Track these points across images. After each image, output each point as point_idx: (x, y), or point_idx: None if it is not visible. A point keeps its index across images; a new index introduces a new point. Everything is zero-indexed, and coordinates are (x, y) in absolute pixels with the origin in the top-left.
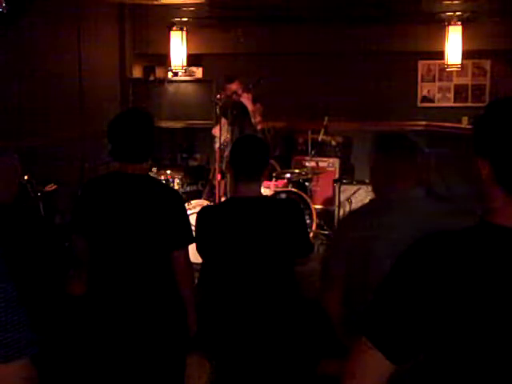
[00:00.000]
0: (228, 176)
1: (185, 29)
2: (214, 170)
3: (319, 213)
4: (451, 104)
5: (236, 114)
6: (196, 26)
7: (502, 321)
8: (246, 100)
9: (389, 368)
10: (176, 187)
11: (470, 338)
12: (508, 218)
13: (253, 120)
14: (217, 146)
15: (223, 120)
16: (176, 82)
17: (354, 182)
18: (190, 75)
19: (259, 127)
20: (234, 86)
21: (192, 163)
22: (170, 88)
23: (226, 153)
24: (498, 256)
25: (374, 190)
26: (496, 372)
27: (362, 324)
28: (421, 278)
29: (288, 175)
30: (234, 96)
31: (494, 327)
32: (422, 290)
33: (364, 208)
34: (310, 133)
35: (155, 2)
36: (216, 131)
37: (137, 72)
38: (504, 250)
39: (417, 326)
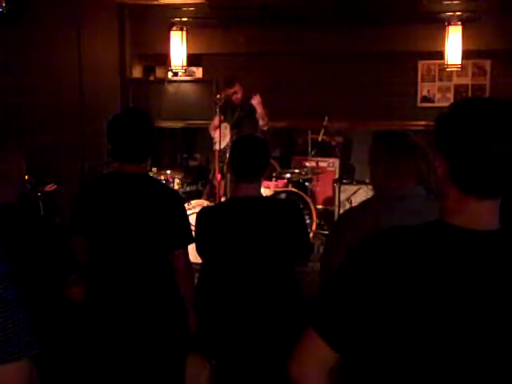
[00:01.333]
0: (228, 176)
1: (185, 29)
2: (214, 170)
3: (319, 213)
4: None
5: (238, 117)
6: (196, 25)
7: (444, 317)
8: (256, 103)
9: (332, 356)
10: (176, 187)
11: (414, 335)
12: (460, 217)
13: (260, 122)
14: (216, 147)
15: (224, 124)
16: (176, 81)
17: (354, 182)
18: (189, 75)
19: (265, 128)
20: (233, 90)
21: (192, 163)
22: (170, 88)
23: (227, 154)
24: (446, 256)
25: (374, 188)
26: (442, 367)
27: (310, 314)
28: (367, 273)
29: (288, 175)
30: (234, 97)
31: (435, 324)
32: (367, 283)
33: (363, 206)
34: (309, 133)
35: (155, 2)
36: (213, 132)
37: (137, 72)
38: (453, 250)
39: (360, 319)
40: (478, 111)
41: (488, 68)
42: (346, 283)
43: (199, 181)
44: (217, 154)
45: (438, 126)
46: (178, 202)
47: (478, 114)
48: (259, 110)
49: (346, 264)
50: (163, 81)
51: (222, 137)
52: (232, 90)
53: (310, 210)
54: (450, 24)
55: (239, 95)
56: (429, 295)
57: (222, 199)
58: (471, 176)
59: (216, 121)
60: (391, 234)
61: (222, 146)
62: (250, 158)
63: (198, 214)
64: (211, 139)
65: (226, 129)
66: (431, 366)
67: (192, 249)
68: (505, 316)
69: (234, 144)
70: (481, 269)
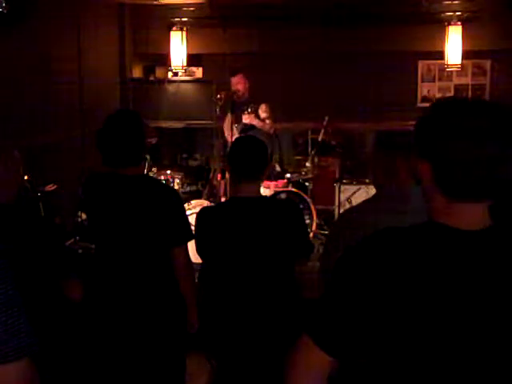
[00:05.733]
0: (228, 176)
1: (185, 29)
2: (215, 169)
3: (319, 213)
4: None
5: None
6: (196, 25)
7: (440, 319)
8: (251, 120)
9: (328, 362)
10: (176, 187)
11: (408, 335)
12: (449, 218)
13: (266, 127)
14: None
15: (228, 117)
16: (176, 82)
17: (354, 182)
18: (189, 75)
19: (271, 131)
20: (235, 80)
21: (192, 163)
22: (170, 88)
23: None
24: (439, 256)
25: (376, 187)
26: (436, 367)
27: (305, 320)
28: (360, 276)
29: (288, 175)
30: (235, 96)
31: (432, 325)
32: (360, 286)
33: (363, 205)
34: (309, 133)
35: (155, 2)
36: (227, 131)
37: (137, 72)
38: (445, 250)
39: (354, 322)
40: (458, 113)
41: (488, 68)
42: (339, 287)
43: (199, 181)
44: (221, 150)
45: (419, 128)
46: (176, 199)
47: (459, 116)
48: (257, 124)
49: (338, 268)
50: (163, 81)
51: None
52: (234, 81)
53: (309, 210)
54: (450, 24)
55: (241, 88)
56: (422, 296)
57: (222, 199)
58: (455, 180)
59: (228, 120)
60: (383, 237)
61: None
62: (250, 158)
63: (198, 214)
64: (211, 138)
65: (231, 123)
66: (425, 367)
67: (192, 249)
68: (493, 313)
69: (233, 144)
70: (473, 268)
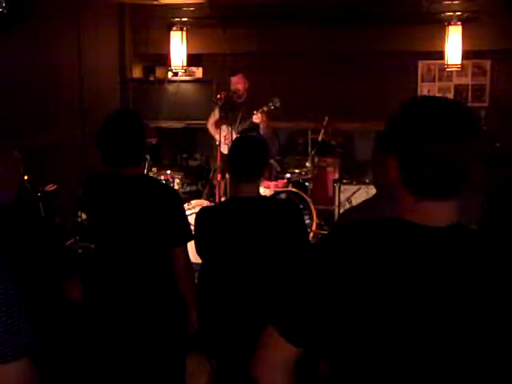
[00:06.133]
0: (228, 176)
1: (185, 29)
2: (215, 169)
3: (319, 213)
4: None
5: (242, 119)
6: (196, 25)
7: (401, 312)
8: (259, 120)
9: (293, 352)
10: (176, 187)
11: (368, 327)
12: (414, 215)
13: (262, 132)
14: (218, 144)
15: (225, 126)
16: (176, 81)
17: (354, 182)
18: (189, 75)
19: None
20: (235, 79)
21: (192, 163)
22: (170, 88)
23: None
24: (400, 251)
25: (376, 187)
26: (397, 365)
27: (269, 312)
28: (322, 268)
29: (288, 175)
30: (235, 96)
31: (393, 318)
32: (322, 278)
33: (363, 205)
34: (310, 133)
35: (155, 2)
36: (212, 128)
37: (137, 72)
38: (407, 246)
39: (316, 313)
40: (425, 112)
41: (488, 68)
42: (301, 279)
43: (199, 181)
44: (219, 153)
45: (389, 127)
46: (176, 199)
47: (426, 115)
48: (263, 125)
49: (302, 261)
50: (163, 81)
51: (225, 140)
52: (234, 81)
53: (310, 210)
54: (450, 24)
55: (241, 87)
56: (383, 290)
57: (222, 199)
58: (420, 178)
59: (213, 117)
60: (347, 232)
61: (225, 152)
62: (249, 158)
63: (198, 214)
64: (212, 138)
65: (228, 133)
66: (385, 361)
67: (192, 249)
68: (454, 309)
69: (232, 144)
70: (434, 264)
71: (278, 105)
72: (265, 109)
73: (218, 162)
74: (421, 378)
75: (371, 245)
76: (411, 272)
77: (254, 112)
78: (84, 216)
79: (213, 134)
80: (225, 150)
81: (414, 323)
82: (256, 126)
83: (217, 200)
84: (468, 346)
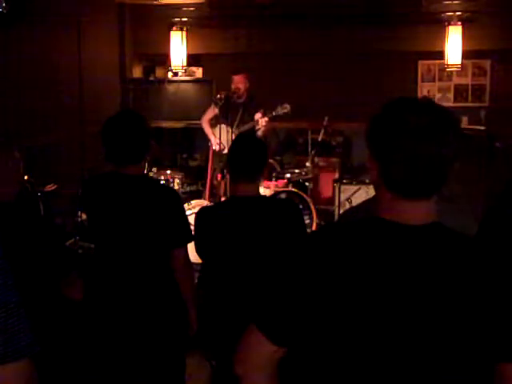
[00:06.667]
0: (228, 176)
1: (185, 29)
2: (214, 169)
3: (319, 213)
4: (451, 104)
5: (241, 119)
6: (196, 25)
7: (378, 310)
8: (263, 124)
9: (275, 351)
10: (176, 187)
11: (349, 326)
12: (394, 214)
13: (259, 133)
14: (211, 141)
15: (224, 126)
16: (176, 81)
17: (354, 182)
18: (190, 75)
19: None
20: (237, 78)
21: (192, 163)
22: (170, 88)
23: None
24: (380, 250)
25: (375, 187)
26: (375, 363)
27: (251, 311)
28: (303, 267)
29: (288, 175)
30: (235, 96)
31: (373, 318)
32: (304, 277)
33: (364, 205)
34: (309, 133)
35: (155, 2)
36: (205, 125)
37: (137, 72)
38: (387, 244)
39: (297, 312)
40: (401, 113)
41: (488, 68)
42: (283, 278)
43: (199, 181)
44: (211, 151)
45: (369, 127)
46: (176, 200)
47: (401, 116)
48: (264, 128)
49: (284, 261)
50: (163, 81)
51: (224, 145)
52: (236, 80)
53: (310, 210)
54: (450, 24)
55: (242, 87)
56: (360, 287)
57: (222, 199)
58: (396, 177)
59: (208, 114)
60: (327, 231)
61: (225, 151)
62: (249, 157)
63: (198, 214)
64: (208, 140)
65: (227, 133)
66: (364, 358)
67: (192, 249)
68: (430, 307)
69: (232, 144)
70: (410, 262)
71: (287, 110)
72: (273, 113)
73: (210, 161)
74: (397, 375)
75: (350, 244)
76: (388, 270)
77: (260, 116)
78: (84, 216)
79: (206, 130)
80: (224, 151)
81: (389, 320)
82: (256, 129)
83: (217, 200)
84: (443, 341)
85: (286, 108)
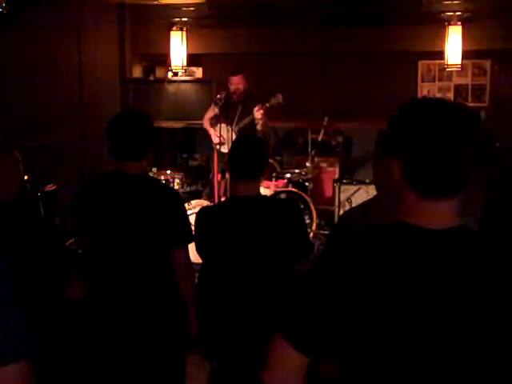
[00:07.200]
0: (228, 176)
1: (185, 29)
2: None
3: (319, 213)
4: None
5: (239, 119)
6: (196, 25)
7: (406, 317)
8: (260, 116)
9: (305, 361)
10: (176, 187)
11: (378, 333)
12: (420, 218)
13: (258, 127)
14: (214, 141)
15: (224, 125)
16: (176, 81)
17: (354, 182)
18: (189, 75)
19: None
20: (236, 79)
21: (192, 163)
22: (170, 88)
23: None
24: (406, 256)
25: (376, 187)
26: (407, 369)
27: (279, 321)
28: (331, 275)
29: (288, 175)
30: (235, 96)
31: (400, 324)
32: (332, 285)
33: (364, 206)
34: (309, 133)
35: (155, 2)
36: (206, 123)
37: (137, 72)
38: (413, 250)
39: (327, 321)
40: (427, 112)
41: (488, 68)
42: (311, 287)
43: (199, 181)
44: (216, 152)
45: (390, 128)
46: (177, 200)
47: (428, 116)
48: (262, 121)
49: (311, 269)
50: (163, 81)
51: (224, 141)
52: (234, 81)
53: (309, 210)
54: (450, 24)
55: (241, 87)
56: (390, 296)
57: (222, 199)
58: (423, 178)
59: (209, 114)
60: (352, 238)
61: (225, 151)
62: (249, 157)
63: (198, 214)
64: (210, 137)
65: (228, 132)
66: (397, 365)
67: (192, 249)
68: (458, 313)
69: (233, 143)
70: (441, 267)
71: (280, 100)
72: (267, 104)
73: (215, 163)
74: (423, 379)
75: (378, 251)
76: (417, 278)
77: (256, 108)
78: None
79: (207, 128)
80: (223, 149)
81: (421, 327)
82: (254, 124)
83: (215, 200)
84: (470, 347)
85: (279, 98)
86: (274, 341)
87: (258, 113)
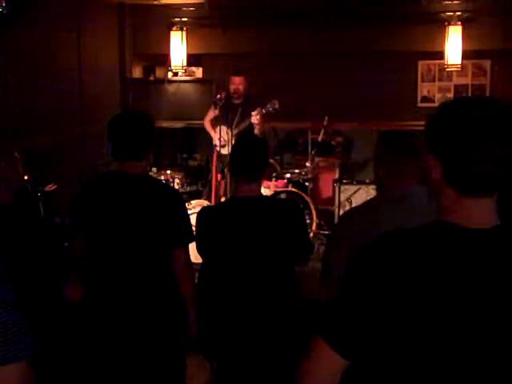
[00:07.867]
0: (228, 176)
1: (185, 29)
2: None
3: (319, 213)
4: None
5: (239, 120)
6: (196, 25)
7: (452, 318)
8: (256, 121)
9: (343, 364)
10: (176, 187)
11: (422, 335)
12: (460, 216)
13: (256, 131)
14: (215, 142)
15: (223, 127)
16: (176, 81)
17: (354, 182)
18: (189, 75)
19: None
20: (238, 80)
21: (192, 163)
22: (170, 88)
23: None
24: (448, 256)
25: (377, 188)
26: (447, 369)
27: (318, 324)
28: (372, 278)
29: (288, 175)
30: (235, 96)
31: (445, 325)
32: (373, 289)
33: (365, 205)
34: (309, 133)
35: (155, 2)
36: (207, 123)
37: (137, 72)
38: (456, 249)
39: (369, 325)
40: (467, 111)
41: (488, 68)
42: (351, 290)
43: (199, 181)
44: (215, 153)
45: (430, 127)
46: (178, 200)
47: (468, 114)
48: (258, 126)
49: (349, 271)
50: (163, 81)
51: (224, 142)
52: (236, 81)
53: (310, 210)
54: (450, 24)
55: (242, 88)
56: (433, 296)
57: (222, 199)
58: (465, 176)
59: (209, 115)
60: (393, 238)
61: (225, 152)
62: (250, 157)
63: (198, 214)
64: (211, 138)
65: (227, 134)
66: (439, 366)
67: (192, 249)
68: (501, 314)
69: (234, 144)
70: (482, 267)
71: (276, 107)
72: (263, 111)
73: (214, 163)
74: (463, 379)
75: (417, 252)
76: (458, 278)
77: (253, 113)
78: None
79: (209, 130)
80: (224, 150)
81: (462, 329)
82: (252, 128)
83: (213, 200)
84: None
85: (275, 104)
86: (313, 343)
87: (255, 118)
